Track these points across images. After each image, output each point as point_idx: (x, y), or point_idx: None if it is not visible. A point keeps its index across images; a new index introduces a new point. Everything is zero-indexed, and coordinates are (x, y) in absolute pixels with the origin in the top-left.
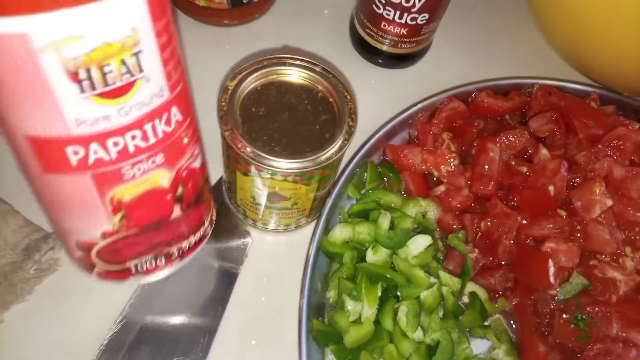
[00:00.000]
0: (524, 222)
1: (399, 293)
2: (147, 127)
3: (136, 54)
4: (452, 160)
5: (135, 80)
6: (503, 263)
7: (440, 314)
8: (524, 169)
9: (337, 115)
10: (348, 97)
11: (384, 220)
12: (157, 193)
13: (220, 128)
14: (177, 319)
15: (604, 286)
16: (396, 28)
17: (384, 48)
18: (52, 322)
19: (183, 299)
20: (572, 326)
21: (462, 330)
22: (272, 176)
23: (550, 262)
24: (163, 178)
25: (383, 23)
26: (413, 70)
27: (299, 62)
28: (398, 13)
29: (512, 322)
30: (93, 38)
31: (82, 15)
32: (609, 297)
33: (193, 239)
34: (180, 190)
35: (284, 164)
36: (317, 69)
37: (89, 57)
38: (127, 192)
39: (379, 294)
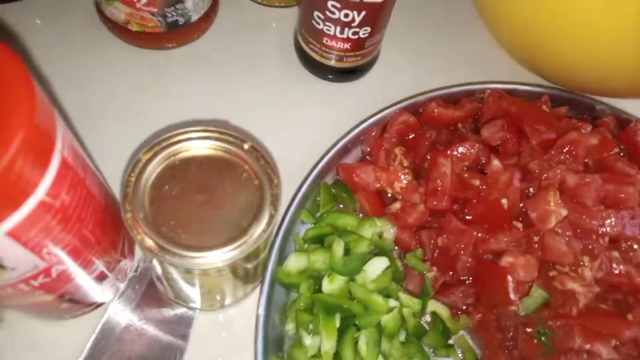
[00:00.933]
0: (481, 235)
1: (357, 322)
2: (22, 285)
3: None
4: (405, 176)
5: None
6: (464, 279)
7: (402, 336)
8: (477, 182)
9: (260, 200)
10: (275, 181)
11: (338, 248)
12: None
13: (121, 208)
14: None
15: (564, 298)
16: (339, 43)
17: (331, 63)
18: None
19: None
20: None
21: (425, 355)
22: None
23: (509, 278)
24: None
25: (325, 39)
26: (364, 81)
27: (226, 137)
28: (338, 28)
29: (477, 337)
30: None
31: None
32: (570, 310)
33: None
34: (67, 297)
35: (186, 260)
36: (246, 146)
37: None
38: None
39: (337, 324)
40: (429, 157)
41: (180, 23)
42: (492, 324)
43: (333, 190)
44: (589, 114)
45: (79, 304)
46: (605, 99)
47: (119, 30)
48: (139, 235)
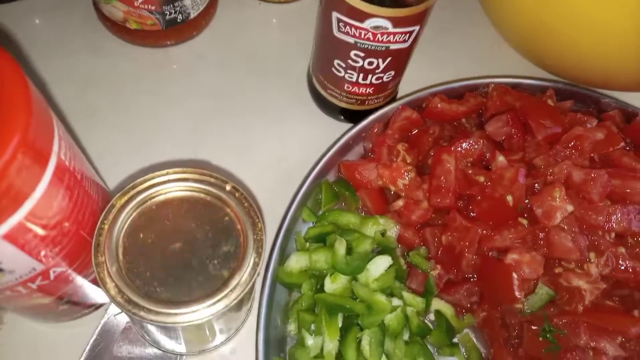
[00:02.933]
0: (485, 232)
1: (360, 322)
2: (20, 288)
3: None
4: (408, 173)
5: None
6: (468, 276)
7: (406, 336)
8: (482, 179)
9: (242, 247)
10: (259, 225)
11: (340, 247)
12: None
13: (92, 258)
14: None
15: (570, 295)
16: (361, 89)
17: (351, 107)
18: None
19: None
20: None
21: (429, 354)
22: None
23: (514, 275)
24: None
25: (346, 85)
26: None
27: (206, 178)
28: (362, 75)
29: (482, 335)
30: None
31: None
32: (576, 307)
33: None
34: (66, 299)
35: (162, 317)
36: (227, 187)
37: None
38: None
39: (340, 324)
40: (432, 154)
41: (178, 20)
42: (497, 322)
43: (335, 188)
44: (594, 107)
45: (78, 306)
46: (610, 92)
47: (118, 28)
48: (111, 291)
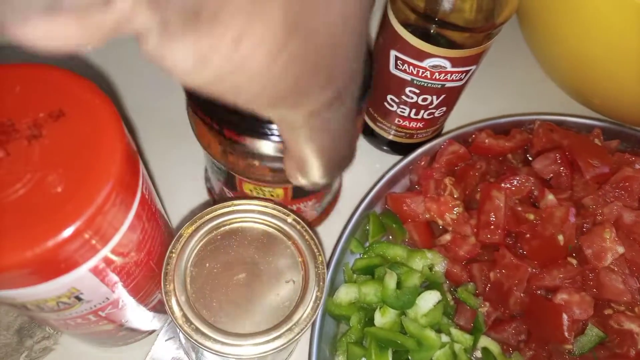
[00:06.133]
0: (534, 271)
1: (409, 357)
2: (90, 316)
3: (75, 297)
4: (456, 207)
5: (74, 304)
6: (515, 314)
7: None
8: (531, 216)
9: (303, 280)
10: (319, 258)
11: (391, 281)
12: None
13: (162, 287)
14: None
15: (621, 338)
16: (412, 123)
17: (400, 140)
18: None
19: None
20: None
21: None
22: None
23: (564, 316)
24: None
25: (397, 119)
26: None
27: (269, 210)
28: (414, 110)
29: None
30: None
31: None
32: (628, 351)
33: None
34: (126, 326)
35: (227, 348)
36: (289, 219)
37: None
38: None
39: (390, 359)
40: (479, 189)
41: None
42: None
43: (382, 220)
44: (639, 147)
45: (134, 332)
46: None
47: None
48: (179, 320)
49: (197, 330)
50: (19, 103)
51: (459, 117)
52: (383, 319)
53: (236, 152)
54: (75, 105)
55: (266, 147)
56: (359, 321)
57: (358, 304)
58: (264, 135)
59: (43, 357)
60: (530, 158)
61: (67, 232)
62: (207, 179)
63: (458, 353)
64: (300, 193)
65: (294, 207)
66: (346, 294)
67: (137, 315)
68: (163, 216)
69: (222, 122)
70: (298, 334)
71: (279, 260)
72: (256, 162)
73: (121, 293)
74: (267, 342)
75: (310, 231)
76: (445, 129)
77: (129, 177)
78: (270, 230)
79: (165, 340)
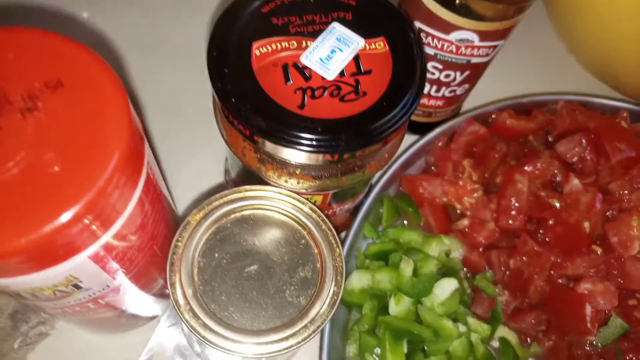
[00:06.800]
0: (556, 259)
1: (425, 348)
2: (89, 304)
3: (73, 285)
4: (475, 191)
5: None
6: (534, 303)
7: None
8: (556, 202)
9: (319, 274)
10: (338, 251)
11: (407, 267)
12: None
13: (167, 278)
14: None
15: None
16: (431, 101)
17: (415, 119)
18: None
19: None
20: None
21: None
22: None
23: (588, 307)
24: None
25: None
26: None
27: (284, 197)
28: (435, 87)
29: None
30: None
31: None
32: None
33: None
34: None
35: (238, 346)
36: (305, 208)
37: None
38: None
39: (405, 350)
40: (500, 172)
41: None
42: (563, 353)
43: (396, 203)
44: None
45: (135, 318)
46: None
47: None
48: (186, 314)
49: (205, 325)
50: (12, 71)
51: (478, 96)
52: (398, 307)
53: (276, 161)
54: (75, 75)
55: (309, 157)
56: (372, 309)
57: (370, 291)
58: (307, 146)
59: (38, 343)
60: (551, 140)
61: (66, 217)
62: (227, 171)
63: (475, 343)
64: (339, 197)
65: (329, 212)
66: (359, 280)
67: (139, 301)
68: (167, 198)
69: (262, 133)
70: (314, 332)
71: (293, 251)
72: (297, 171)
73: (122, 280)
74: (281, 340)
75: (327, 221)
76: (463, 109)
77: (133, 157)
78: (285, 219)
79: (168, 327)
